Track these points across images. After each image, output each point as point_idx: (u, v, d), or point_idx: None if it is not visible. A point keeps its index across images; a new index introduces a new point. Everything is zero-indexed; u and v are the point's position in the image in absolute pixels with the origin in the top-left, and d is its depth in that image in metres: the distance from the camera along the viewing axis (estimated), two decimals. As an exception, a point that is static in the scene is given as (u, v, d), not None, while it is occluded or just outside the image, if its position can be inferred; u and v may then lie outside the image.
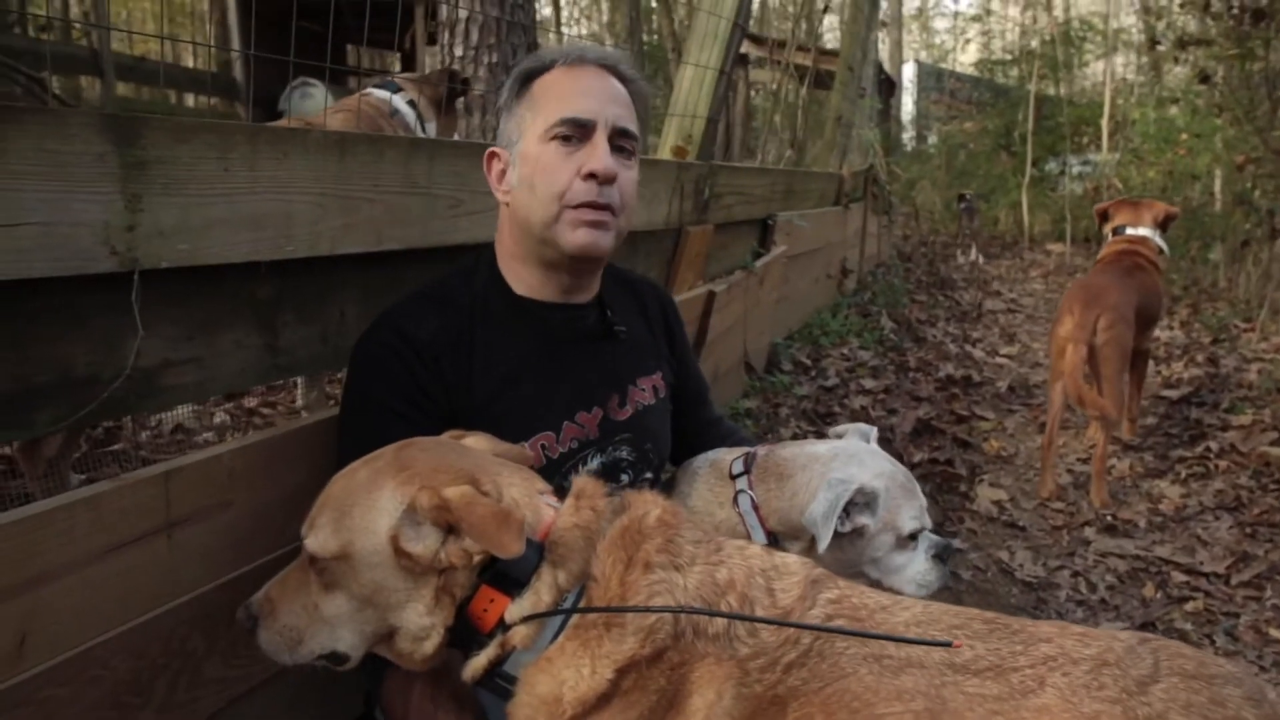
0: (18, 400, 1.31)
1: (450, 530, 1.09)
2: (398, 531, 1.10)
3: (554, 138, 1.49)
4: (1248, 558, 3.22)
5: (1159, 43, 8.63)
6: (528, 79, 1.57)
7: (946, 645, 1.04)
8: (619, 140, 1.53)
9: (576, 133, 1.49)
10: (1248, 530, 3.43)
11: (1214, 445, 4.15)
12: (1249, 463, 3.96)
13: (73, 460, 2.03)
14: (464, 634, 1.14)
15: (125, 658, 1.37)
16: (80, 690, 1.31)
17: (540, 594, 1.11)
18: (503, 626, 1.12)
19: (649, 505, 1.21)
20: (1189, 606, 2.95)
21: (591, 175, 1.48)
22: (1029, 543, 3.40)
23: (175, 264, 1.41)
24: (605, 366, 1.68)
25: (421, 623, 1.13)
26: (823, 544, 1.57)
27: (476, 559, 1.10)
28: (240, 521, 1.55)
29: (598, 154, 1.48)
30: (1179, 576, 3.14)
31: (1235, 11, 7.13)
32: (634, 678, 1.07)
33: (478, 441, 1.32)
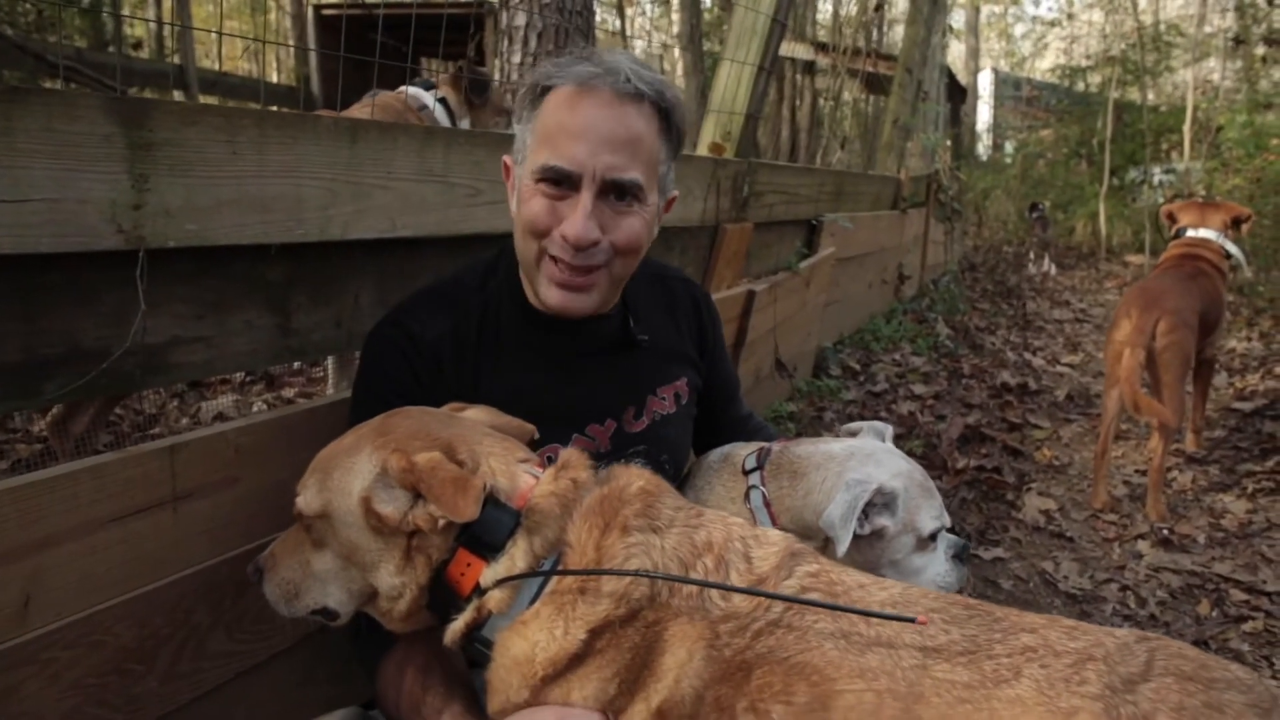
0: (27, 370, 1.36)
1: (419, 494, 1.11)
2: (370, 493, 1.13)
3: (541, 180, 1.39)
4: (1316, 578, 3.03)
5: (1243, 40, 8.25)
6: (542, 91, 1.44)
7: (910, 621, 1.01)
8: (614, 189, 1.40)
9: (563, 180, 1.38)
10: (1318, 549, 3.23)
11: (1286, 460, 3.93)
12: (1324, 479, 3.74)
13: (109, 441, 2.11)
14: (444, 597, 1.15)
15: (129, 625, 1.41)
16: (83, 654, 1.35)
17: (515, 559, 1.12)
18: (479, 591, 1.13)
19: (632, 477, 1.20)
20: (1247, 626, 2.79)
21: (565, 238, 1.39)
22: (1076, 554, 3.26)
23: (183, 244, 1.46)
24: (623, 377, 1.62)
25: (392, 582, 1.15)
26: (842, 547, 1.50)
27: (441, 523, 1.11)
28: (248, 498, 1.58)
29: (575, 218, 1.37)
30: (1238, 595, 2.97)
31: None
32: (608, 637, 1.07)
33: (478, 414, 1.33)
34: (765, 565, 1.13)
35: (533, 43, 4.21)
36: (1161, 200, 13.67)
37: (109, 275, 1.42)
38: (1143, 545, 3.31)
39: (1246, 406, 4.68)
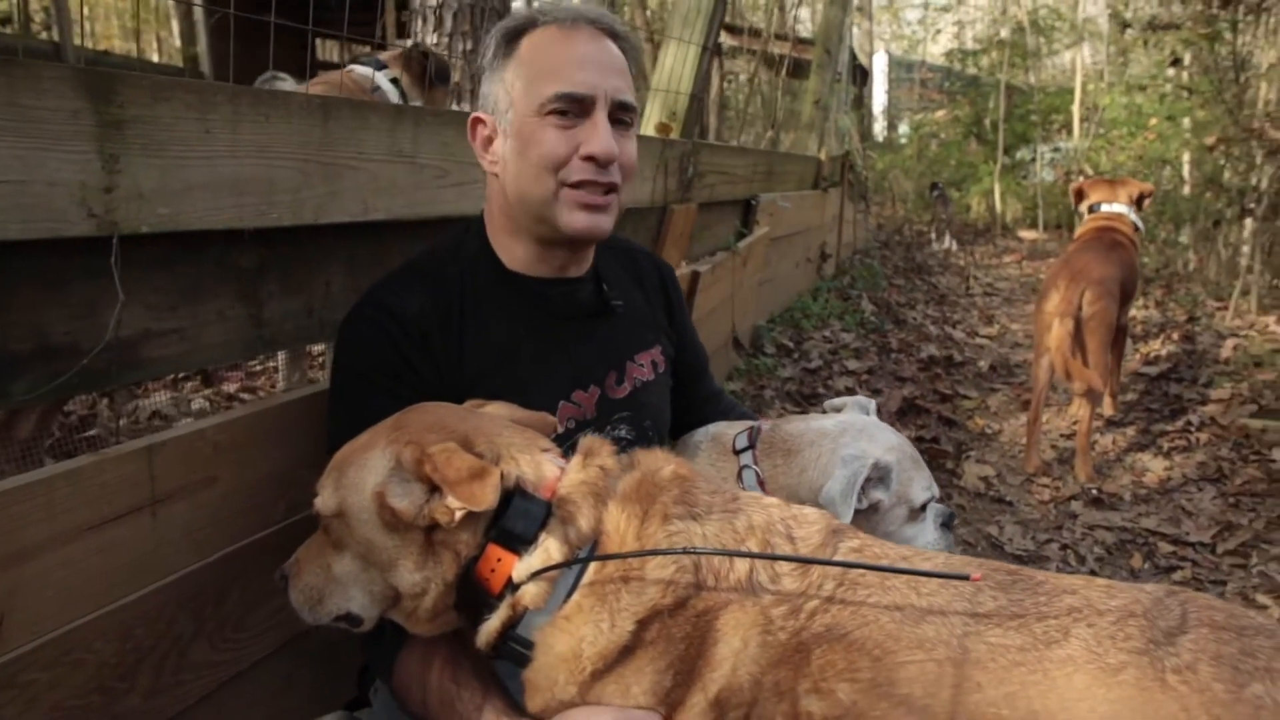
0: (-7, 369, 1.25)
1: (435, 487, 1.08)
2: (384, 488, 1.09)
3: (550, 112, 1.41)
4: (1232, 527, 3.25)
5: (1130, 25, 8.72)
6: (514, 36, 1.46)
7: (964, 579, 1.02)
8: (618, 113, 1.45)
9: (574, 108, 1.41)
10: (1231, 500, 3.47)
11: (1194, 419, 4.19)
12: (1229, 435, 4.01)
13: (47, 445, 1.96)
14: (473, 597, 1.11)
15: (109, 640, 1.33)
16: (63, 674, 1.26)
17: (549, 550, 1.09)
18: (512, 587, 1.09)
19: (661, 461, 1.19)
20: (1177, 576, 2.97)
21: (591, 157, 1.41)
22: (1017, 517, 3.41)
23: (156, 229, 1.36)
24: (602, 343, 1.62)
25: (413, 579, 1.12)
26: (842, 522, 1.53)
27: (460, 514, 1.07)
28: (226, 498, 1.50)
29: (598, 135, 1.41)
30: (1166, 547, 3.16)
31: (1204, -5, 7.20)
32: (657, 628, 1.05)
33: (497, 409, 1.30)
34: (809, 545, 1.12)
35: (448, 22, 4.10)
36: (1051, 178, 14.36)
37: (77, 263, 1.31)
38: (1076, 505, 3.49)
39: (1153, 370, 4.97)
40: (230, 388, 3.03)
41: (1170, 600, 1.04)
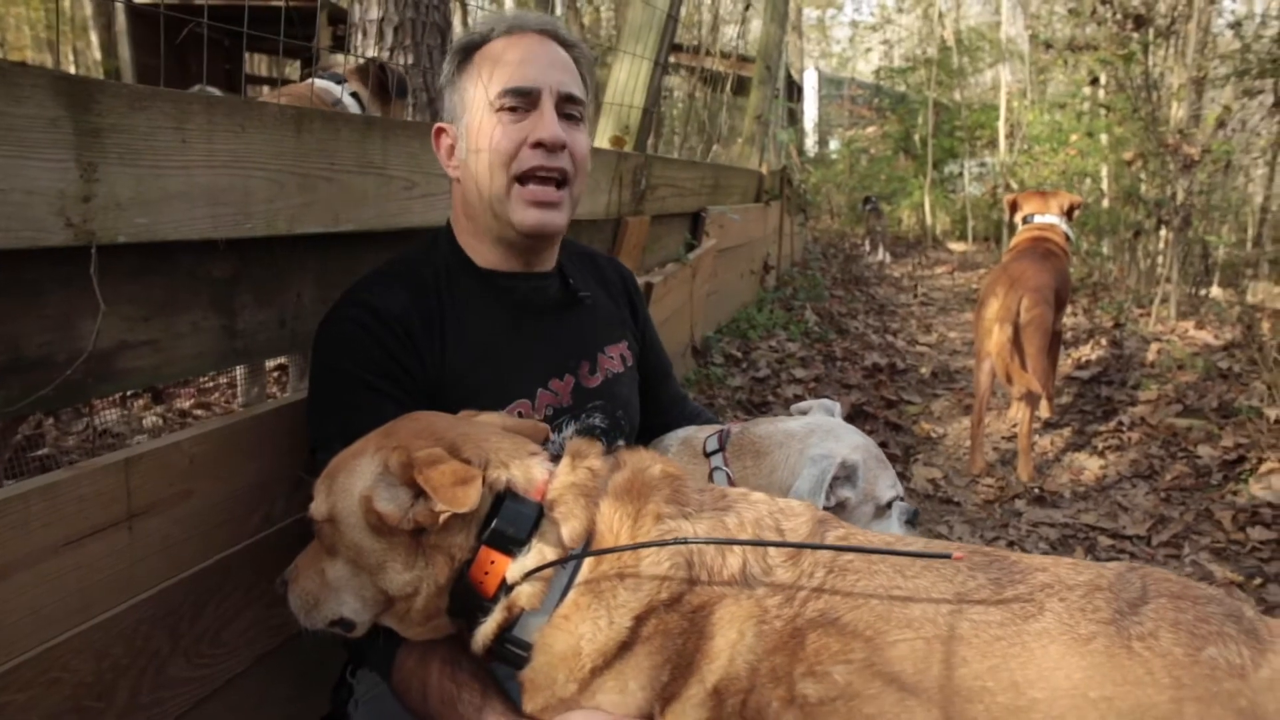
0: (-33, 383, 1.22)
1: (421, 491, 1.10)
2: (371, 492, 1.12)
3: (500, 109, 1.48)
4: (1165, 520, 3.41)
5: (1050, 45, 9.11)
6: (468, 51, 1.55)
7: (946, 557, 1.08)
8: (566, 106, 1.53)
9: (522, 102, 1.49)
10: (1162, 495, 3.63)
11: (1125, 419, 4.38)
12: (1158, 434, 4.20)
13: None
14: (468, 601, 1.12)
15: (86, 659, 1.29)
16: (38, 695, 1.23)
17: (543, 552, 1.11)
18: (506, 589, 1.11)
19: (649, 460, 1.22)
20: (1117, 568, 3.10)
21: (539, 144, 1.48)
22: (965, 516, 3.52)
23: (134, 238, 1.34)
24: (574, 334, 1.68)
25: (402, 579, 1.14)
26: None
27: (443, 517, 1.09)
28: (203, 511, 1.48)
29: (545, 122, 1.48)
30: (1105, 541, 3.30)
31: (1118, 17, 7.55)
32: (654, 624, 1.07)
33: (490, 418, 1.32)
34: (797, 536, 1.16)
35: (389, 37, 4.08)
36: (978, 191, 14.86)
37: (52, 273, 1.29)
38: (1020, 504, 3.62)
39: (1085, 374, 5.18)
40: (185, 403, 2.96)
41: (1131, 574, 1.12)
